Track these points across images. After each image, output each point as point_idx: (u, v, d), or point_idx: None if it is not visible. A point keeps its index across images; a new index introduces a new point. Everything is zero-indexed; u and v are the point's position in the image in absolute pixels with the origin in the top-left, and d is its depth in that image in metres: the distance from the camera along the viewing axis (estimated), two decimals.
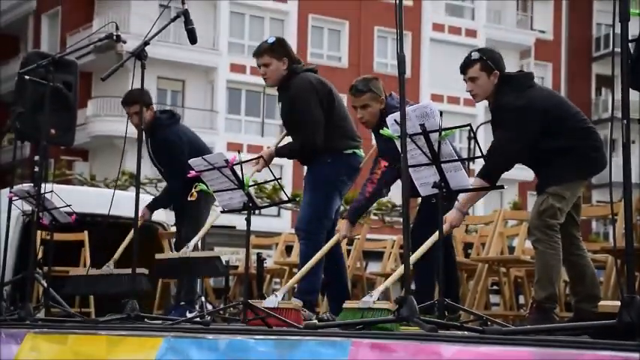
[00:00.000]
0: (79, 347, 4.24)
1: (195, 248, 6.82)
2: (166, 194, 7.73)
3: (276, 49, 6.27)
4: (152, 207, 7.50)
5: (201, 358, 3.66)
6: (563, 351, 2.73)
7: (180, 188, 7.27)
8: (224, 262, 6.66)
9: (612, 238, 5.21)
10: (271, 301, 5.40)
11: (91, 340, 4.25)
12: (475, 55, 5.58)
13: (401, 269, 5.95)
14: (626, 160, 3.27)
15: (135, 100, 7.03)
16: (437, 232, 4.93)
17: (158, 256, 6.38)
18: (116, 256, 6.94)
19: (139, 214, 6.57)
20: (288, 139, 6.47)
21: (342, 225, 6.31)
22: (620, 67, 3.46)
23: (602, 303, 4.48)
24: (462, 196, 5.51)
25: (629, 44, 3.55)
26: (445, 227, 5.38)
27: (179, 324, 5.13)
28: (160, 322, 5.62)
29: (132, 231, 6.91)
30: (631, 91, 3.54)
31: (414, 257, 5.10)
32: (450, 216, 5.52)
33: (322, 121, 6.16)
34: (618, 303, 3.18)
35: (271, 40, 6.35)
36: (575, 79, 37.82)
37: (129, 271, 6.20)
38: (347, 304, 5.20)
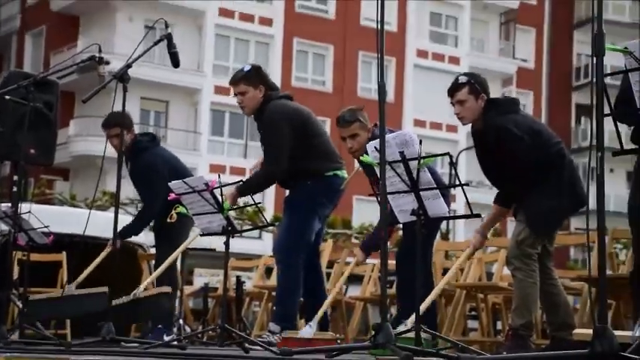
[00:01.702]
0: None
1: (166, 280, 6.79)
2: (138, 220, 7.62)
3: (252, 77, 6.23)
4: (123, 235, 7.39)
5: None
6: None
7: (154, 214, 7.27)
8: (169, 299, 6.62)
9: (589, 266, 5.25)
10: (307, 332, 5.49)
11: None
12: (463, 79, 5.65)
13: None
14: (600, 192, 3.30)
15: (115, 123, 7.00)
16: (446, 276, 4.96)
17: (114, 301, 6.26)
18: (80, 278, 6.85)
19: (109, 244, 6.55)
20: None
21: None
22: (596, 99, 3.50)
23: (576, 331, 4.51)
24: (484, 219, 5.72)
25: (615, 76, 3.59)
26: (469, 251, 5.69)
27: (155, 348, 5.09)
28: (136, 345, 5.58)
29: (101, 254, 6.91)
30: (609, 120, 3.58)
31: (423, 305, 5.17)
32: (474, 239, 5.71)
33: (286, 150, 6.11)
34: (591, 332, 3.19)
35: (247, 68, 6.31)
36: (556, 107, 38.08)
37: (88, 291, 6.19)
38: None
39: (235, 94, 6.28)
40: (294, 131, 6.17)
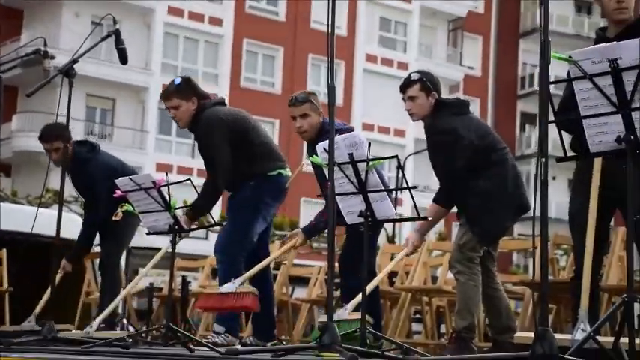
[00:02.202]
0: None
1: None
2: (85, 232, 7.48)
3: (184, 89, 6.12)
4: (73, 258, 7.27)
5: None
6: None
7: (99, 222, 7.19)
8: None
9: (531, 271, 5.32)
10: (228, 287, 5.49)
11: None
12: (415, 76, 5.71)
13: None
14: (544, 198, 3.34)
15: (56, 136, 6.92)
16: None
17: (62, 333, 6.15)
18: (37, 310, 6.75)
19: (60, 265, 6.46)
20: None
21: (299, 235, 6.27)
22: (540, 105, 3.55)
23: (517, 334, 4.57)
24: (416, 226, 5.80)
25: (559, 86, 3.65)
26: (408, 249, 5.69)
27: (97, 346, 5.04)
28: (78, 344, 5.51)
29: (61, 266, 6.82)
30: (552, 129, 3.64)
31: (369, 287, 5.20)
32: (412, 238, 5.72)
33: (226, 160, 6.07)
34: (532, 335, 3.24)
35: (177, 81, 6.19)
36: (501, 115, 38.54)
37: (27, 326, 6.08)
38: (319, 318, 5.28)
39: (168, 109, 6.18)
40: (232, 136, 6.11)
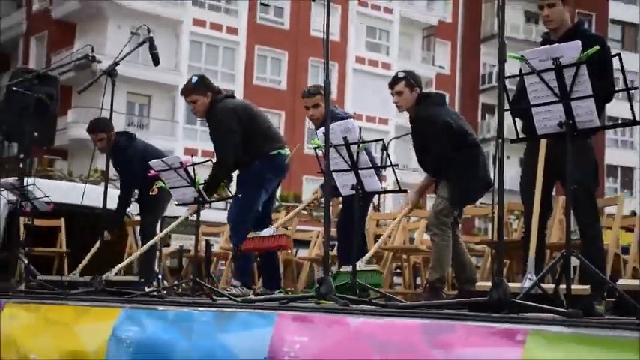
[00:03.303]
0: (49, 315, 4.14)
1: (164, 243, 6.72)
2: (125, 198, 7.53)
3: (200, 87, 6.13)
4: (111, 227, 7.20)
5: (152, 326, 3.61)
6: (446, 322, 2.77)
7: (131, 195, 7.20)
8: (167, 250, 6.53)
9: (490, 233, 5.34)
10: (267, 231, 5.58)
11: (60, 309, 4.17)
12: (401, 74, 5.73)
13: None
14: (500, 173, 3.35)
15: (101, 129, 6.96)
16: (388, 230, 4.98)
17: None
18: (82, 264, 6.73)
19: (104, 234, 6.50)
20: None
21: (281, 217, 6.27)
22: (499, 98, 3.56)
23: (478, 284, 4.57)
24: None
25: (509, 80, 3.64)
26: (408, 208, 5.96)
27: (137, 297, 5.05)
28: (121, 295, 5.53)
29: (104, 234, 6.82)
30: (508, 116, 3.64)
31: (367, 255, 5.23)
32: (410, 196, 6.00)
33: (233, 142, 6.04)
34: (490, 283, 3.25)
35: (195, 79, 6.19)
36: (466, 106, 38.37)
37: (78, 278, 6.10)
38: (342, 269, 5.30)
39: (187, 103, 6.21)
40: (240, 123, 6.10)
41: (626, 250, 6.64)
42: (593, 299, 3.65)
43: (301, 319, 3.08)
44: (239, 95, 6.59)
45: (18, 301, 4.49)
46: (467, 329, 2.55)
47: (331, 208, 6.68)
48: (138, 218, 8.12)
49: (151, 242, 6.68)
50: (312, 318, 3.06)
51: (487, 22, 39.73)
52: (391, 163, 4.79)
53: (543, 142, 4.41)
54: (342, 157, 4.58)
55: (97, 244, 6.47)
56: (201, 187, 5.41)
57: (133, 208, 8.42)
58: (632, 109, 3.47)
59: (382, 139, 4.79)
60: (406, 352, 2.62)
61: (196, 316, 3.50)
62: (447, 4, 39.50)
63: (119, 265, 6.28)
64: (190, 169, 5.24)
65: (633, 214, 8.75)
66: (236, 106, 6.21)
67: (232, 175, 6.35)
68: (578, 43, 3.43)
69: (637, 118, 3.44)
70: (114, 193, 7.48)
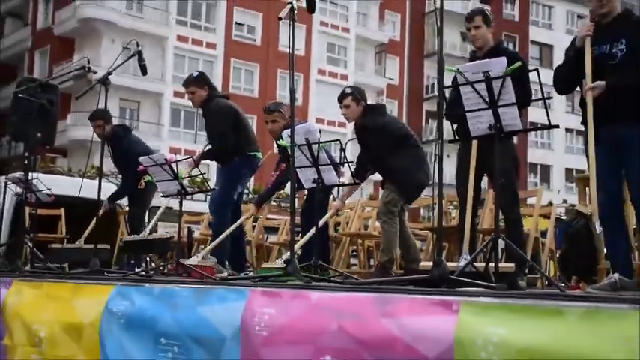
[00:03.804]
0: (50, 291, 4.10)
1: (153, 230, 6.68)
2: (121, 189, 7.46)
3: (199, 80, 6.18)
4: (111, 200, 7.23)
5: (140, 300, 3.60)
6: (395, 295, 2.78)
7: (132, 184, 7.13)
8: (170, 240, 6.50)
9: (432, 220, 5.38)
10: (193, 260, 5.40)
11: (60, 286, 4.12)
12: (348, 90, 5.72)
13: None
14: (440, 170, 3.38)
15: (98, 117, 6.86)
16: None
17: (126, 238, 6.10)
18: (85, 234, 6.69)
19: (103, 206, 6.39)
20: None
21: (251, 208, 6.31)
22: (439, 104, 3.59)
23: (422, 263, 4.61)
24: (342, 192, 5.85)
25: (447, 90, 3.69)
26: (331, 212, 5.74)
27: (127, 275, 5.01)
28: (115, 274, 5.47)
29: (103, 206, 6.74)
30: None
31: (304, 238, 5.19)
32: (335, 204, 5.78)
33: (230, 133, 6.07)
34: (432, 263, 3.29)
35: (195, 73, 6.28)
36: (412, 112, 38.63)
37: (92, 246, 6.04)
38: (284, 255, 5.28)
39: (187, 93, 6.22)
40: (230, 119, 6.13)
41: (544, 234, 6.76)
42: (517, 275, 3.71)
43: (269, 293, 3.07)
44: None
45: (23, 279, 4.44)
46: (410, 301, 2.57)
47: (296, 200, 6.69)
48: (127, 209, 8.04)
49: (148, 227, 6.61)
50: (279, 293, 3.06)
51: (429, 40, 39.98)
52: (347, 160, 4.81)
53: (475, 143, 4.46)
54: (304, 155, 4.59)
55: (101, 212, 6.49)
56: (201, 153, 5.32)
57: (124, 201, 8.34)
58: (547, 115, 3.53)
59: (339, 140, 4.79)
60: (359, 320, 2.63)
61: (178, 291, 3.49)
62: (396, 25, 39.67)
63: (151, 224, 6.27)
64: (174, 166, 5.20)
65: (550, 204, 8.93)
66: (231, 107, 6.25)
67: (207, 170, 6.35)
68: (503, 59, 3.48)
69: (551, 123, 3.52)
70: (107, 187, 7.40)
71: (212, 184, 6.18)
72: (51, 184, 6.48)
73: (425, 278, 3.26)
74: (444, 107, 3.62)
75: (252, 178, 6.99)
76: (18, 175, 6.44)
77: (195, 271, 5.02)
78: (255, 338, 2.92)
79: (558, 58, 41.48)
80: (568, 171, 39.87)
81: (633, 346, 2.04)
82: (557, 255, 6.63)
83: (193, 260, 5.36)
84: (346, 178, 5.74)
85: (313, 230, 4.98)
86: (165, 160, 5.16)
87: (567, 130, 39.09)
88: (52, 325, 3.93)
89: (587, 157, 3.94)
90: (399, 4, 39.46)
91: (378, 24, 38.71)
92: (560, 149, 40.76)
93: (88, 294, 3.88)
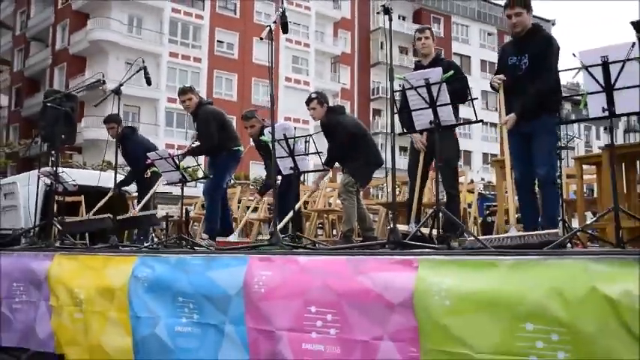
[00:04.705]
0: (86, 262, 4.06)
1: (146, 208, 6.61)
2: (130, 177, 7.31)
3: (191, 90, 6.16)
4: (119, 186, 7.05)
5: (160, 268, 3.59)
6: (363, 257, 2.82)
7: (138, 174, 7.04)
8: (158, 216, 6.46)
9: (380, 197, 5.43)
10: (232, 238, 5.41)
11: (93, 258, 4.08)
12: (314, 95, 5.72)
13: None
14: (392, 158, 3.44)
15: (112, 120, 6.75)
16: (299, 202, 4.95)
17: (119, 217, 6.03)
18: (94, 210, 6.54)
19: (112, 189, 6.27)
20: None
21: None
22: (388, 107, 3.62)
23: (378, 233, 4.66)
24: (316, 177, 5.85)
25: (397, 94, 3.72)
26: (309, 193, 5.66)
27: (142, 248, 4.96)
28: (128, 248, 5.40)
29: (108, 194, 6.61)
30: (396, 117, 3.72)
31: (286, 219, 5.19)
32: (311, 187, 5.99)
33: (216, 133, 6.04)
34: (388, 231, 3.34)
35: (188, 86, 6.25)
36: (362, 111, 38.71)
37: (99, 216, 6.00)
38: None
39: (182, 101, 6.15)
40: (218, 121, 6.09)
41: (470, 205, 6.92)
42: (451, 238, 3.80)
43: (266, 259, 3.09)
44: None
45: (63, 253, 4.38)
46: (378, 261, 2.62)
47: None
48: (135, 194, 7.92)
49: (138, 207, 6.55)
50: (273, 259, 3.08)
51: (374, 52, 40.07)
52: (317, 150, 4.83)
53: (424, 135, 4.53)
54: (283, 148, 4.60)
55: (106, 197, 6.39)
56: (191, 148, 5.30)
57: (132, 188, 8.22)
58: (475, 112, 3.62)
59: (311, 135, 4.81)
60: (338, 278, 2.67)
61: (190, 260, 3.48)
62: (347, 40, 39.58)
63: (142, 202, 6.17)
64: (176, 159, 5.17)
65: (472, 182, 9.12)
66: (217, 111, 6.21)
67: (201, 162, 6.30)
68: (439, 69, 3.54)
69: (478, 118, 3.61)
70: (118, 177, 7.27)
71: (200, 174, 6.13)
72: (72, 175, 6.37)
73: (383, 242, 3.32)
74: (395, 106, 3.65)
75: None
76: (48, 169, 6.31)
77: (193, 242, 4.99)
78: (255, 295, 2.94)
79: (475, 65, 42.18)
80: (485, 155, 40.68)
81: (548, 284, 2.14)
82: (480, 221, 6.79)
83: (234, 237, 5.38)
84: (313, 165, 5.74)
85: (291, 213, 5.00)
86: (169, 154, 5.12)
87: (483, 123, 39.71)
88: (89, 289, 3.91)
89: (501, 147, 4.03)
90: (349, 23, 39.49)
91: (333, 40, 38.60)
92: (478, 138, 41.44)
93: (117, 264, 3.86)
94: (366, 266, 2.60)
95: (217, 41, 33.42)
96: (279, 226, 4.80)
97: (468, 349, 2.17)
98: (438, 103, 3.55)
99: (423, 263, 2.43)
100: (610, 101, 3.05)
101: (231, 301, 3.07)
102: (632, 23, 3.80)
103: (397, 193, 9.11)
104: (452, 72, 3.63)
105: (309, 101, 5.66)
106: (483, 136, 41.74)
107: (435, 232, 3.65)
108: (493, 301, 2.16)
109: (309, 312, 2.67)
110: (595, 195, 5.84)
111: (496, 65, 4.27)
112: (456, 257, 2.40)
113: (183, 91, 6.15)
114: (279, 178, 6.05)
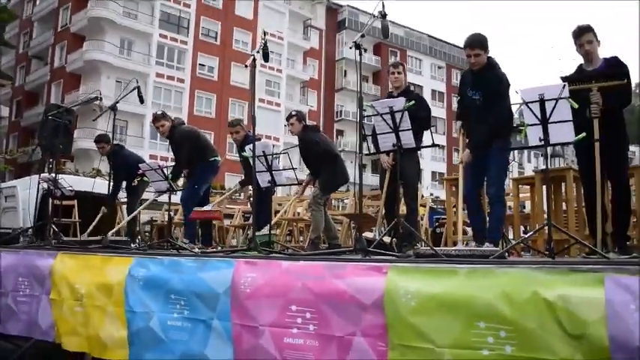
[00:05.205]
0: (87, 261, 3.97)
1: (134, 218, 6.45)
2: (116, 187, 7.14)
3: (164, 116, 6.07)
4: (111, 199, 6.86)
5: (154, 268, 3.53)
6: (339, 263, 2.82)
7: (124, 185, 6.91)
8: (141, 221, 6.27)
9: (341, 209, 5.46)
10: (208, 207, 5.40)
11: (93, 257, 3.99)
12: (294, 113, 5.77)
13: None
14: (360, 173, 3.47)
15: (102, 140, 6.69)
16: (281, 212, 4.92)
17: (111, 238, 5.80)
18: (89, 229, 6.35)
19: (102, 209, 6.10)
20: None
21: (217, 199, 6.16)
22: (356, 129, 3.67)
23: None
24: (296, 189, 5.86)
25: (365, 120, 3.77)
26: (294, 199, 5.62)
27: (131, 249, 4.86)
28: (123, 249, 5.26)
29: (101, 210, 6.42)
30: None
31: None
32: (299, 190, 5.90)
33: (186, 156, 5.94)
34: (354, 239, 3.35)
35: (160, 112, 6.19)
36: (327, 131, 38.71)
37: (95, 238, 5.82)
38: (257, 233, 5.17)
39: (157, 127, 6.08)
40: (192, 141, 6.00)
41: (422, 217, 7.01)
42: (408, 247, 3.84)
43: (251, 263, 3.07)
44: (186, 122, 6.50)
45: (66, 252, 4.27)
46: (352, 266, 2.65)
47: (244, 194, 6.71)
48: (124, 200, 7.75)
49: (130, 217, 6.39)
50: (257, 262, 3.06)
51: (338, 79, 40.42)
52: (292, 165, 4.84)
53: (391, 155, 4.58)
54: (262, 164, 4.59)
55: (100, 214, 6.17)
56: (169, 176, 5.25)
57: (122, 195, 8.05)
58: (432, 137, 3.70)
59: (287, 152, 4.82)
60: (317, 280, 2.69)
61: (183, 262, 3.45)
62: (315, 67, 39.83)
63: (113, 230, 6.00)
64: (164, 170, 5.10)
65: (422, 196, 9.29)
66: (189, 131, 6.12)
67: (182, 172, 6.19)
68: (402, 99, 3.61)
69: (435, 142, 3.69)
70: (104, 184, 7.12)
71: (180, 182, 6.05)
72: (69, 182, 6.21)
73: (350, 249, 3.35)
74: (363, 130, 3.69)
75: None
76: (48, 175, 6.15)
77: (177, 245, 4.91)
78: (242, 294, 2.93)
79: (427, 94, 42.97)
80: (433, 173, 41.42)
81: (498, 289, 2.20)
82: (430, 231, 6.90)
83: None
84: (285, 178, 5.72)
85: (268, 226, 4.99)
86: (159, 165, 5.05)
87: (433, 145, 40.30)
88: (89, 285, 3.84)
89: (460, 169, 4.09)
90: (317, 53, 39.84)
91: (302, 67, 38.79)
92: (428, 157, 42.19)
93: (115, 263, 3.79)
94: (342, 271, 2.62)
95: (199, 64, 33.17)
96: (262, 231, 4.79)
97: (430, 343, 2.23)
98: (400, 129, 3.62)
99: (392, 269, 2.47)
100: (545, 132, 3.17)
101: (219, 299, 3.05)
102: (562, 78, 3.93)
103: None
104: (413, 102, 3.70)
105: (289, 117, 5.70)
106: (432, 156, 42.55)
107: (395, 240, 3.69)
108: (452, 302, 2.22)
109: (290, 310, 2.68)
110: (527, 211, 6.01)
111: (458, 89, 4.31)
112: (421, 265, 2.44)
113: (156, 118, 6.07)
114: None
